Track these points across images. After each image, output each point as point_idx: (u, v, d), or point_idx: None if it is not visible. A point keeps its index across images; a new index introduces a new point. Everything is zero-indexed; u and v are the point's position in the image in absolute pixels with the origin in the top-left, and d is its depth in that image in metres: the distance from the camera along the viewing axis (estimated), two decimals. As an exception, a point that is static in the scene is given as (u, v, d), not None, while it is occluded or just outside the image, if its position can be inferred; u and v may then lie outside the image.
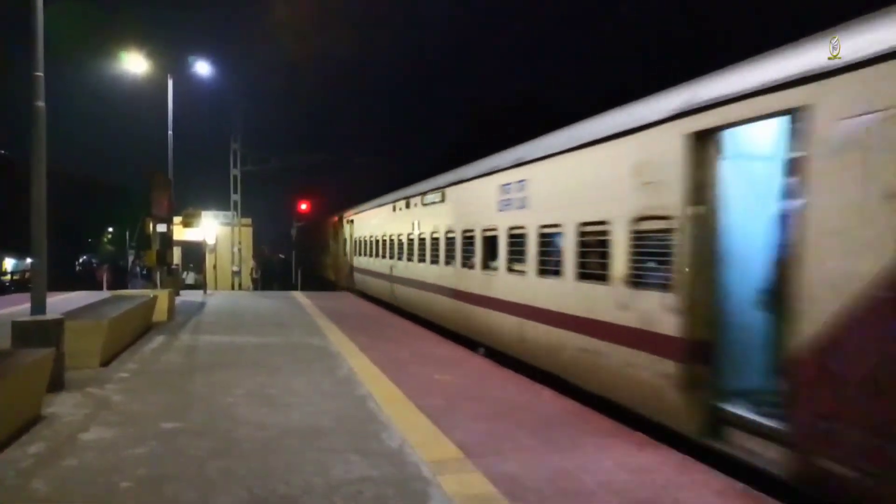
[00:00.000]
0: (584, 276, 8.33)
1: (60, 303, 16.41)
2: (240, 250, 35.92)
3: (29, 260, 22.83)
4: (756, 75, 5.56)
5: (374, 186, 28.73)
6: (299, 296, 24.74)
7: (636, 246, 7.18)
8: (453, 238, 13.74)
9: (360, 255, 26.50)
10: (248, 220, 39.20)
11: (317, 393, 8.17)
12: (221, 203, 36.98)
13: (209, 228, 30.99)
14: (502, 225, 11.05)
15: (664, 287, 6.59)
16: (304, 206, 48.96)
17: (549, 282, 9.27)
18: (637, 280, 7.16)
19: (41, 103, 8.53)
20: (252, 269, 36.53)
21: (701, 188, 6.20)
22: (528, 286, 9.99)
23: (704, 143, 6.18)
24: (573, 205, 8.70)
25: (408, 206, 18.37)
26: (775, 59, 5.54)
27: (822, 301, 4.72)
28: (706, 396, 6.07)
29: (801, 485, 4.99)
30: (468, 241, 12.82)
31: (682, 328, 6.27)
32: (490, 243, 11.71)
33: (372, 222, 24.04)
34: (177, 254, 31.03)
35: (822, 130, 4.81)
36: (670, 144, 6.54)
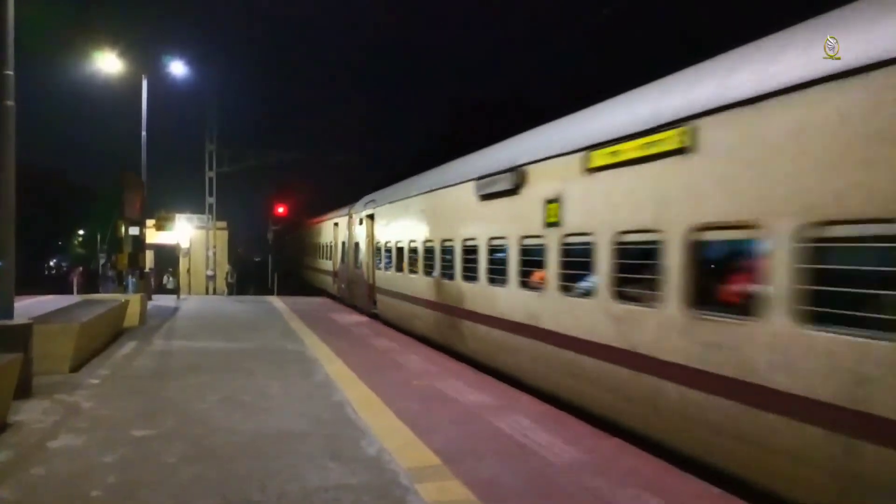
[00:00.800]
0: (327, 258, 29.15)
1: (29, 306, 16.04)
2: (215, 254, 35.40)
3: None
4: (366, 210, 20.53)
5: (352, 188, 31.01)
6: (275, 300, 24.53)
7: (336, 248, 25.90)
8: (319, 244, 31.58)
9: (301, 255, 39.41)
10: (224, 224, 38.58)
11: (293, 398, 8.09)
12: (196, 206, 36.42)
13: (183, 232, 30.55)
14: (323, 242, 30.29)
15: (331, 259, 27.34)
16: (280, 210, 48.35)
17: (329, 261, 28.29)
18: (331, 259, 27.17)
19: (11, 102, 8.33)
20: (227, 272, 35.97)
21: (346, 234, 23.41)
22: (333, 264, 27.29)
23: (348, 222, 22.97)
24: (332, 238, 27.24)
25: (308, 227, 35.65)
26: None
27: (340, 263, 24.98)
28: (337, 283, 25.75)
29: (341, 297, 24.68)
30: (322, 246, 30.79)
31: (333, 268, 26.56)
32: (321, 247, 31.06)
33: (299, 235, 40.88)
34: (149, 257, 30.53)
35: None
36: (343, 223, 24.06)
